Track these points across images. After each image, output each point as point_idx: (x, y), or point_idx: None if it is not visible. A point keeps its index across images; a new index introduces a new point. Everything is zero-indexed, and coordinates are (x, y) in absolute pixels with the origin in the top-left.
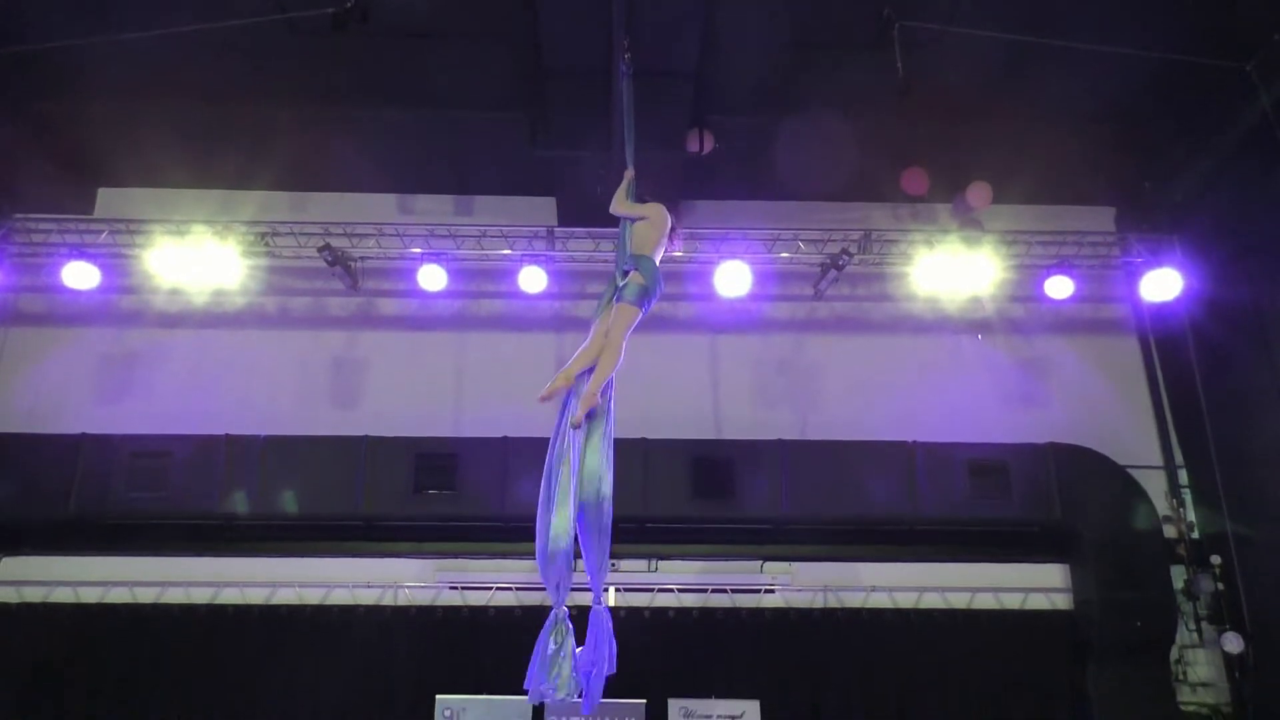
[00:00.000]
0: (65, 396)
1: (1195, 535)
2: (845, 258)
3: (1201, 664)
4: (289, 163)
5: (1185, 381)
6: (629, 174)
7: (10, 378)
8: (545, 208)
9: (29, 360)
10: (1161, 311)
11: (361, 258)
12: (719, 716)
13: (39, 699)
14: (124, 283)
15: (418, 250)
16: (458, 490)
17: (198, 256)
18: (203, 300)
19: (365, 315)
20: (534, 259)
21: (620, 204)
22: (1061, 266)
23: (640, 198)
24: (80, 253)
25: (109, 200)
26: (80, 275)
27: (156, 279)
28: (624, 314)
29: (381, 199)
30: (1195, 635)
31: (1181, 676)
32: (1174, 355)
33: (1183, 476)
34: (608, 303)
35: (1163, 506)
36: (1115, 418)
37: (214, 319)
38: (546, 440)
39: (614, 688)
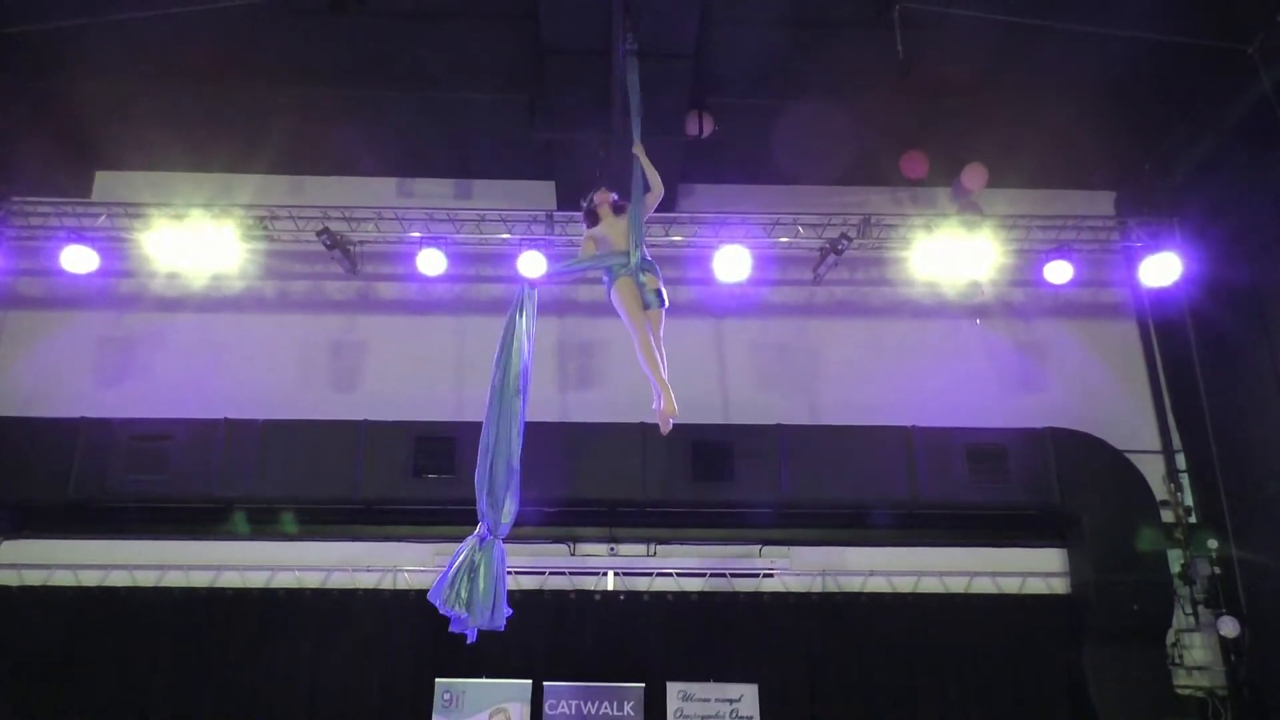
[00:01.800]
0: (64, 380)
1: (1192, 519)
2: (844, 242)
3: (1197, 647)
4: (287, 146)
5: (1184, 365)
6: (640, 148)
7: (9, 361)
8: (545, 191)
9: (27, 343)
10: (1160, 295)
11: (360, 242)
12: (717, 700)
13: (40, 682)
14: (122, 266)
15: (417, 234)
16: (457, 474)
17: (196, 240)
18: (201, 284)
19: (364, 299)
20: (533, 243)
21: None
22: (1061, 250)
23: (619, 206)
24: (78, 236)
25: (106, 183)
26: (78, 259)
27: (154, 263)
28: (661, 320)
29: (380, 182)
30: (1192, 619)
31: (1177, 660)
32: (1173, 339)
33: (1181, 461)
34: (626, 279)
35: (1160, 490)
36: (1114, 402)
37: (213, 303)
38: (546, 425)
39: (613, 671)
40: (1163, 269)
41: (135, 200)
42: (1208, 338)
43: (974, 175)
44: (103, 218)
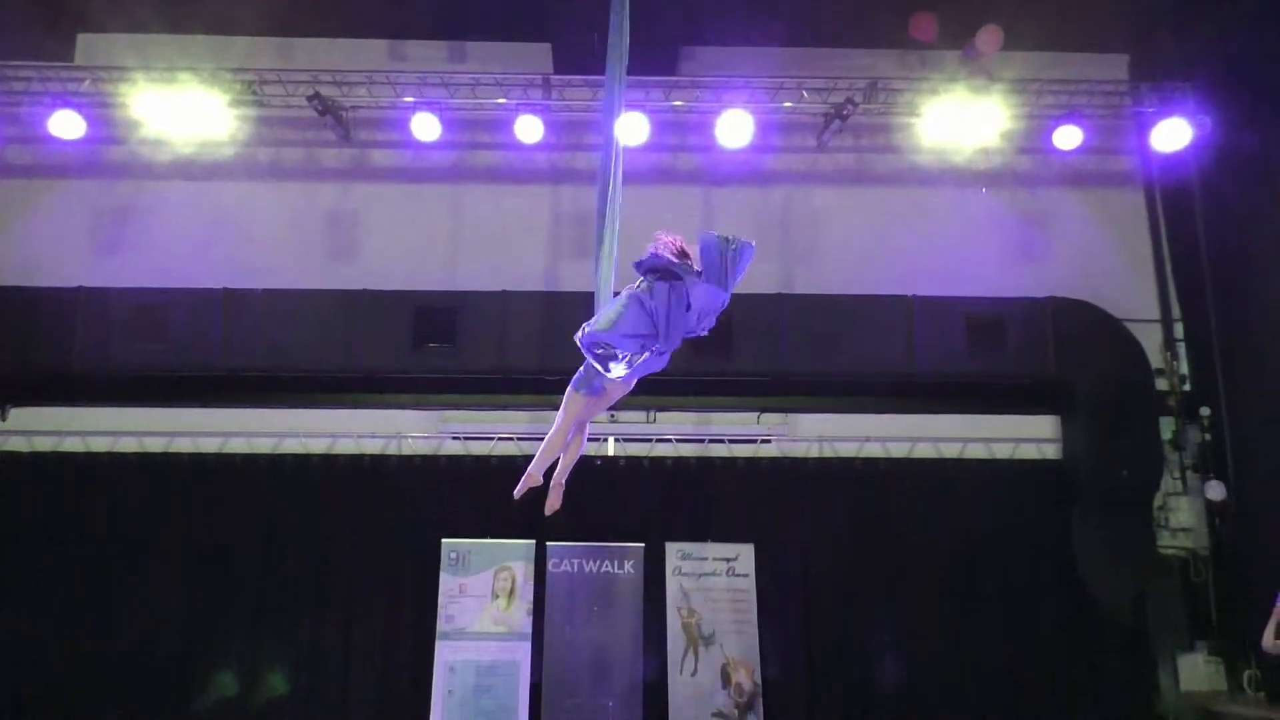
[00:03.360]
0: (59, 249)
1: (1187, 388)
2: (850, 107)
3: (1183, 511)
4: (274, 6)
5: (1188, 233)
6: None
7: (2, 231)
8: (541, 54)
9: (20, 213)
10: (1170, 162)
11: (353, 107)
12: (715, 559)
13: (52, 547)
14: (110, 133)
15: (410, 99)
16: (457, 344)
17: (184, 106)
18: (192, 151)
19: (359, 167)
20: (529, 108)
21: None
22: (1071, 116)
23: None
24: (65, 101)
25: (88, 46)
26: (66, 125)
27: (144, 129)
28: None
29: (371, 45)
30: (1179, 484)
31: (1163, 523)
32: (1179, 207)
33: (1179, 330)
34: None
35: (1157, 360)
36: (1116, 271)
37: (205, 170)
38: (544, 295)
39: (614, 533)
40: (1173, 134)
41: (119, 64)
42: (1214, 205)
43: (989, 38)
44: (87, 82)
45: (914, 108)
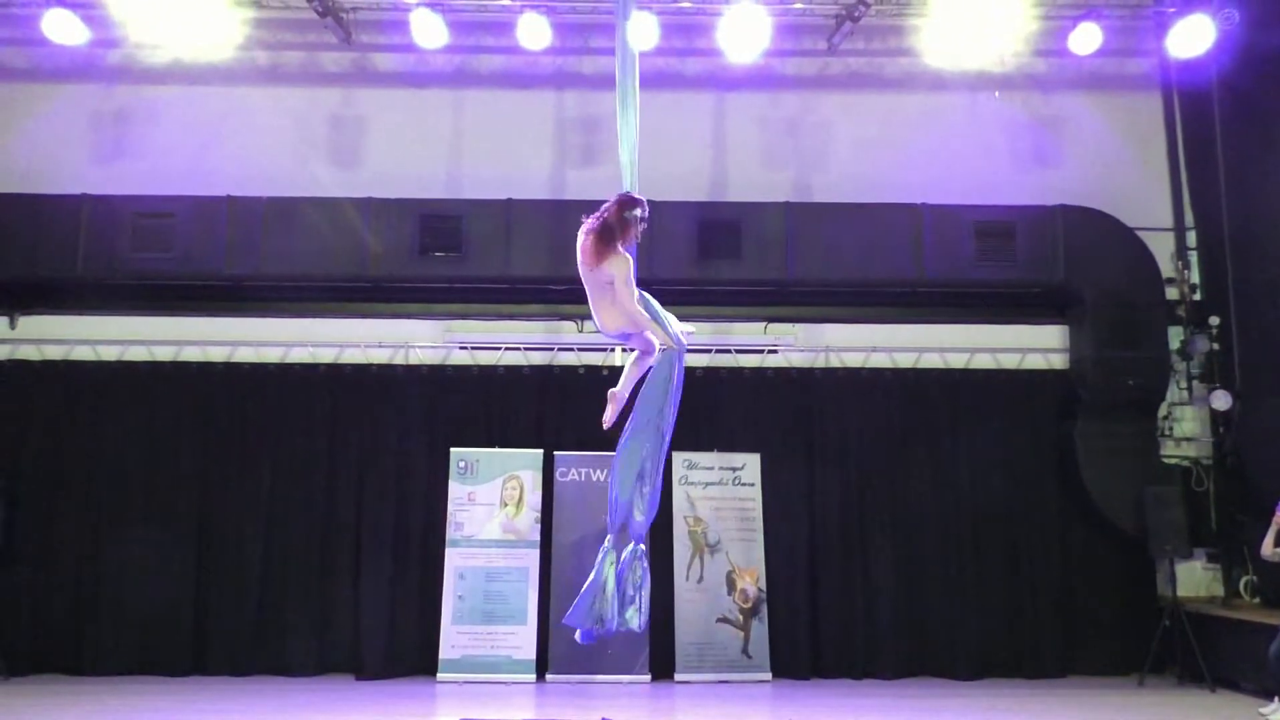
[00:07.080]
0: (60, 156)
1: (1197, 297)
2: (862, 8)
3: (1188, 420)
4: None
5: (1205, 139)
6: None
7: (1, 136)
8: None
9: (19, 117)
10: (1189, 66)
11: (353, 8)
12: (721, 468)
13: (68, 454)
14: (106, 35)
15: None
16: (463, 252)
17: (181, 6)
18: (191, 56)
19: (361, 71)
20: (534, 7)
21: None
22: (1090, 14)
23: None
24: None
25: None
26: (62, 26)
27: (140, 31)
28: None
29: None
30: (1185, 393)
31: (1167, 432)
32: (1197, 111)
33: (1191, 239)
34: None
35: (1169, 269)
36: (1130, 178)
37: (205, 74)
38: (550, 203)
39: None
40: (1195, 34)
41: None
42: (1234, 110)
43: None
44: None
45: (927, 7)
